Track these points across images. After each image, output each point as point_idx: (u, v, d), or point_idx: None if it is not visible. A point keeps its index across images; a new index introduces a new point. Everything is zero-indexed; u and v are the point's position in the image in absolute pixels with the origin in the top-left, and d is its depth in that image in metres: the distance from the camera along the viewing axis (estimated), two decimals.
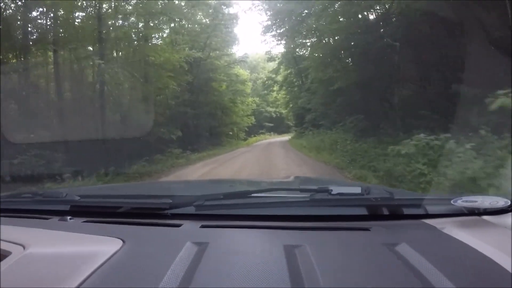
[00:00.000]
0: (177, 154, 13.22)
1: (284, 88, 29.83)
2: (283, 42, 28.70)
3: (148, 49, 13.44)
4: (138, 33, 13.56)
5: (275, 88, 31.41)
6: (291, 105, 29.33)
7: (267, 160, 10.49)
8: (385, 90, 9.03)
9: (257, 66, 46.28)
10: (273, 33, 28.59)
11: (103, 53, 11.76)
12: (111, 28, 12.25)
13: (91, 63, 11.76)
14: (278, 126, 41.94)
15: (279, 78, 30.70)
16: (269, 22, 27.63)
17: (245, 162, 10.45)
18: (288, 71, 29.23)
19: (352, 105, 10.88)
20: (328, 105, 15.24)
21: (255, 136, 35.80)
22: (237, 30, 38.47)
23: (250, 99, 34.16)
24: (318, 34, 13.96)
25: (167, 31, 16.19)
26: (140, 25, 13.65)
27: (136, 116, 13.17)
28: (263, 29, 28.41)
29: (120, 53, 13.93)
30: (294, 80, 28.71)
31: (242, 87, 25.82)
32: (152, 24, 13.96)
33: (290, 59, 28.36)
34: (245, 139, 31.97)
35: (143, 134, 13.41)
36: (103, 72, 11.34)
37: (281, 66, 29.72)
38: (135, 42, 13.73)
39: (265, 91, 32.16)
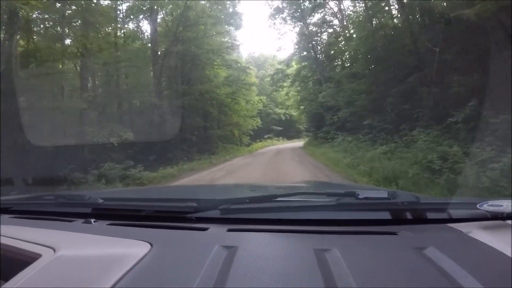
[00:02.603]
0: (112, 173, 6.98)
1: (297, 83, 23.51)
2: (297, 26, 22.94)
3: None
4: None
5: (286, 84, 25.05)
6: (302, 107, 23.10)
7: None
8: None
9: (265, 62, 40.35)
10: (285, 14, 22.83)
11: None
12: None
13: None
14: (287, 130, 36.01)
15: (291, 71, 24.55)
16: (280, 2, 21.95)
17: None
18: (302, 64, 23.09)
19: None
20: (381, 93, 8.94)
21: (260, 141, 29.83)
22: (240, 9, 32.10)
23: (256, 97, 28.36)
24: None
25: None
26: None
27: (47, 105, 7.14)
28: (272, 12, 22.74)
29: None
30: (309, 74, 22.57)
31: (245, 78, 19.48)
32: None
33: (304, 48, 22.29)
34: (248, 144, 26.22)
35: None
36: None
37: (294, 58, 23.62)
38: None
39: (274, 87, 25.64)
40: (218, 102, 19.37)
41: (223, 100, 18.58)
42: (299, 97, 23.92)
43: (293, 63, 24.43)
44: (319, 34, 21.82)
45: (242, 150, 20.13)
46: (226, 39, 17.46)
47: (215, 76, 17.52)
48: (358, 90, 10.81)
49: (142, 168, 7.88)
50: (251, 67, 24.74)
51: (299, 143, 28.53)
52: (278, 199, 0.98)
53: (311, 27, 21.75)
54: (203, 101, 15.90)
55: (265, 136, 32.56)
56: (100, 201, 1.08)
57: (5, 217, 1.11)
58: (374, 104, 9.38)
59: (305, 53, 23.00)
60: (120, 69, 10.10)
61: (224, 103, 19.42)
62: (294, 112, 33.86)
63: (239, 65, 18.26)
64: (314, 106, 18.83)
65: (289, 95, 25.85)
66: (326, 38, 20.97)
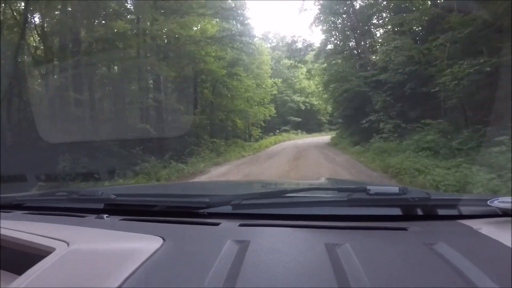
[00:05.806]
0: None
1: (322, 59, 16.55)
2: None
3: None
4: None
5: (307, 58, 18.03)
6: (327, 93, 16.23)
7: None
8: None
9: (280, 42, 33.15)
10: None
11: None
12: None
13: None
14: (307, 122, 29.20)
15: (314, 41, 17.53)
16: None
17: None
18: (328, 34, 16.30)
19: None
20: None
21: (274, 134, 23.15)
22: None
23: (269, 80, 21.50)
24: None
25: None
26: None
27: None
28: None
29: None
30: (340, 45, 15.72)
31: (248, 42, 12.59)
32: None
33: (329, 14, 15.25)
34: (258, 139, 19.75)
35: None
36: None
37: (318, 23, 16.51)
38: None
39: (292, 61, 18.51)
40: (213, 78, 12.79)
41: (215, 72, 11.95)
42: (323, 77, 16.97)
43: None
44: None
45: (244, 148, 13.43)
46: None
47: (203, 32, 10.84)
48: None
49: None
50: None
51: (322, 137, 21.81)
52: (289, 194, 0.98)
53: None
54: (178, 62, 9.24)
55: (281, 129, 25.79)
56: (113, 196, 1.05)
57: (19, 213, 1.08)
58: None
59: (332, 19, 16.04)
60: None
61: (218, 79, 12.80)
62: (315, 101, 26.80)
63: (234, 11, 11.26)
64: (355, 82, 11.87)
65: (312, 73, 18.77)
66: None
